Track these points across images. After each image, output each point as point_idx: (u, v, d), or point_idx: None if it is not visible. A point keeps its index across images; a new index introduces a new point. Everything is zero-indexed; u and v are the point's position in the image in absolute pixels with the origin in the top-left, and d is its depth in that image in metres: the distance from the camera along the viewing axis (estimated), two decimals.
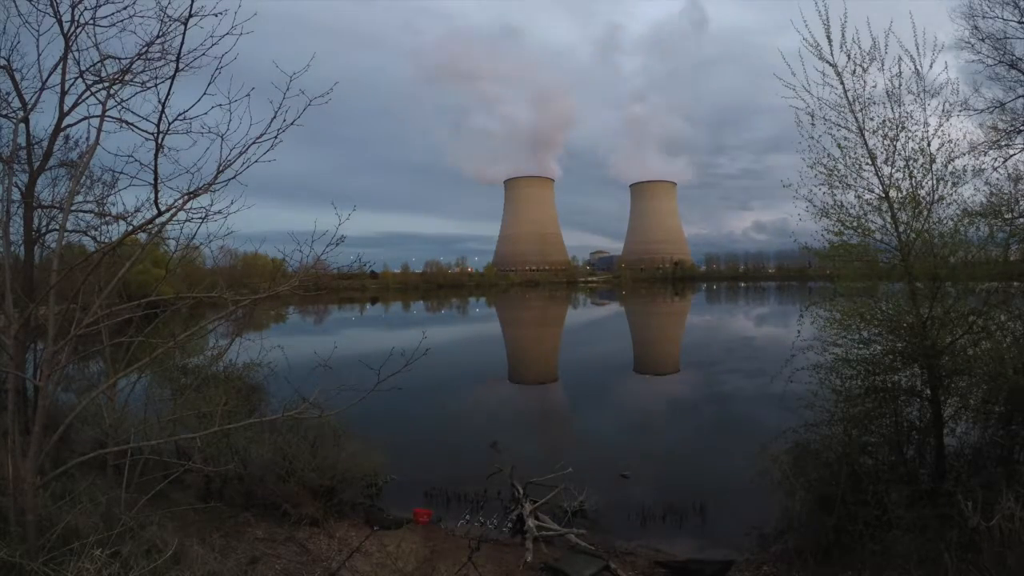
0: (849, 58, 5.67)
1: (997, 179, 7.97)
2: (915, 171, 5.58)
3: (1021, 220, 6.49)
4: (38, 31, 4.59)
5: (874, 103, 5.69)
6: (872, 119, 5.72)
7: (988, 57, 9.94)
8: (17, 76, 4.89)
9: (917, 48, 5.51)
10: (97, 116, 3.83)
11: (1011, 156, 9.69)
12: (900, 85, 5.56)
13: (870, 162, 5.73)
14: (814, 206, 6.06)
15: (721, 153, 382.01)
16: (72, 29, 4.19)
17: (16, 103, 5.02)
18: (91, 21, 4.14)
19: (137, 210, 4.26)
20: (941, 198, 5.55)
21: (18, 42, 4.84)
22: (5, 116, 5.41)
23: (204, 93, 3.46)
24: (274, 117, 3.37)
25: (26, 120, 4.89)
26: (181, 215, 3.62)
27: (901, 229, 5.66)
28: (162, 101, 3.35)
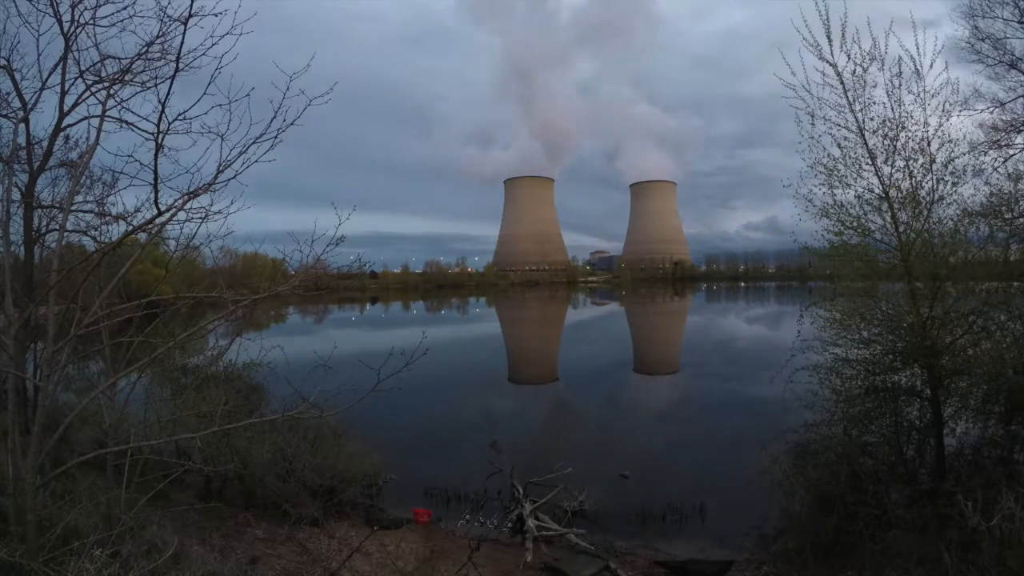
0: (849, 58, 5.68)
1: (997, 179, 7.96)
2: (915, 171, 5.59)
3: (1021, 220, 6.49)
4: (38, 31, 4.61)
5: (874, 103, 5.70)
6: (872, 119, 5.73)
7: (988, 57, 9.93)
8: (17, 76, 4.91)
9: (917, 48, 5.52)
10: (97, 116, 3.83)
11: (1011, 156, 9.68)
12: (900, 85, 5.57)
13: (870, 162, 5.74)
14: (814, 206, 6.08)
15: (687, 149, 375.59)
16: (72, 29, 4.20)
17: (16, 103, 5.03)
18: (91, 21, 4.16)
19: (137, 210, 4.28)
20: (941, 198, 5.56)
21: (18, 42, 4.86)
22: (5, 116, 5.42)
23: (204, 93, 3.46)
24: (274, 117, 3.37)
25: (26, 120, 4.90)
26: (181, 215, 3.62)
27: (901, 229, 5.66)
28: (162, 101, 3.35)
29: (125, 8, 4.23)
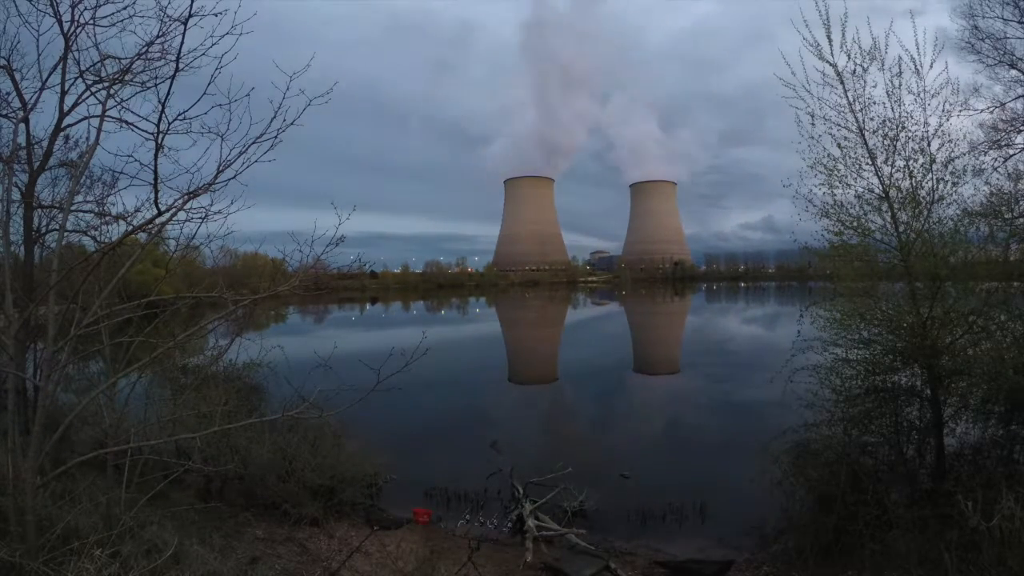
0: (849, 58, 5.68)
1: (997, 179, 7.98)
2: (915, 171, 5.59)
3: (1021, 220, 6.50)
4: (38, 31, 4.60)
5: (874, 103, 5.71)
6: (872, 119, 5.74)
7: (988, 57, 9.94)
8: (17, 76, 4.89)
9: (917, 48, 5.52)
10: (97, 116, 3.82)
11: (1011, 156, 9.70)
12: (900, 85, 5.57)
13: (870, 162, 5.74)
14: (814, 206, 6.09)
15: (675, 148, 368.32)
16: (72, 29, 4.19)
17: (16, 103, 5.02)
18: (91, 21, 4.14)
19: (137, 210, 4.25)
20: (941, 198, 5.56)
21: (18, 42, 4.85)
22: (5, 116, 5.41)
23: (204, 93, 3.46)
24: (274, 117, 3.37)
25: (26, 120, 4.88)
26: (181, 215, 3.62)
27: (901, 229, 5.67)
28: (162, 101, 3.35)
29: (125, 8, 4.22)
